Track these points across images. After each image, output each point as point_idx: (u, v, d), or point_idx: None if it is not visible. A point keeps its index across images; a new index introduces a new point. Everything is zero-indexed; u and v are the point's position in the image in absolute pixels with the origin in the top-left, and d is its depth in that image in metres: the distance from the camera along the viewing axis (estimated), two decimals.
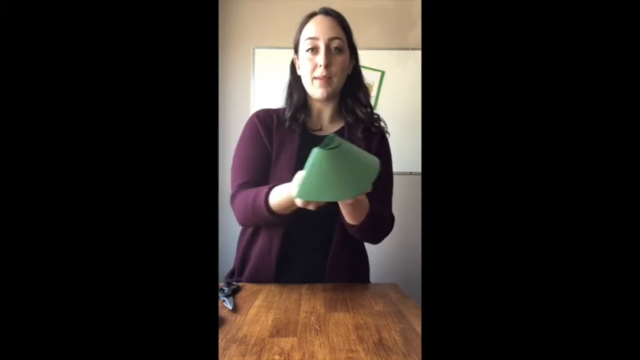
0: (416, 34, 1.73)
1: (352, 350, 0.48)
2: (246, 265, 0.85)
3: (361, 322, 0.58)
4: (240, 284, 0.77)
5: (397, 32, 1.73)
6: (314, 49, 0.80)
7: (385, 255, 1.57)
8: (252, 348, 0.48)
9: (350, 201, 0.61)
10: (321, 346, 0.49)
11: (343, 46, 0.81)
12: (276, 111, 0.89)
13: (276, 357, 0.46)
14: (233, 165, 0.86)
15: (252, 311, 0.62)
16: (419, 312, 0.63)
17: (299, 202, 0.60)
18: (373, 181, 0.57)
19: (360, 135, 0.86)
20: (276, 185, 0.71)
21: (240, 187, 0.81)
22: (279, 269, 0.81)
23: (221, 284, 0.73)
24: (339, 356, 0.46)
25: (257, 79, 1.74)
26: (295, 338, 0.51)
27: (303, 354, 0.47)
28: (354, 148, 0.60)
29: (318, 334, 0.53)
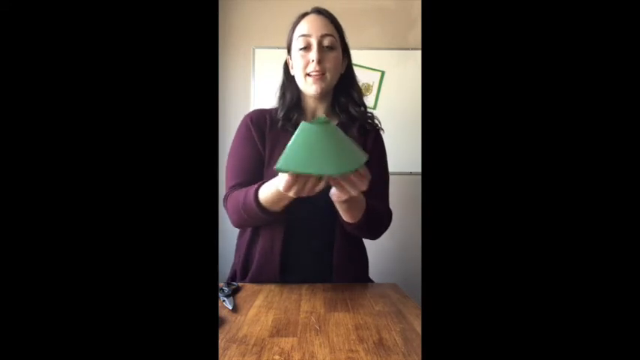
0: (416, 34, 1.73)
1: (352, 350, 0.48)
2: (249, 266, 0.85)
3: (361, 322, 0.58)
4: (240, 284, 0.77)
5: (397, 32, 1.73)
6: (307, 47, 0.81)
7: (385, 255, 1.57)
8: (252, 348, 0.48)
9: (321, 186, 0.59)
10: (321, 346, 0.49)
11: (335, 44, 0.82)
12: (270, 111, 0.89)
13: (276, 357, 0.46)
14: (227, 167, 0.86)
15: (252, 311, 0.62)
16: (419, 312, 0.63)
17: (282, 186, 0.58)
18: (357, 167, 0.56)
19: (355, 133, 0.87)
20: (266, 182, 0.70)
21: (232, 189, 0.81)
22: (284, 269, 0.81)
23: (221, 284, 0.73)
24: (339, 356, 0.46)
25: (257, 79, 1.74)
26: (295, 338, 0.51)
27: (303, 354, 0.47)
28: (343, 134, 0.59)
29: (318, 334, 0.53)
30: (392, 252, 1.67)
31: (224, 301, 0.65)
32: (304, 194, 0.59)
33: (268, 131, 0.86)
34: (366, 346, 0.49)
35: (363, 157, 0.58)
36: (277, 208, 0.71)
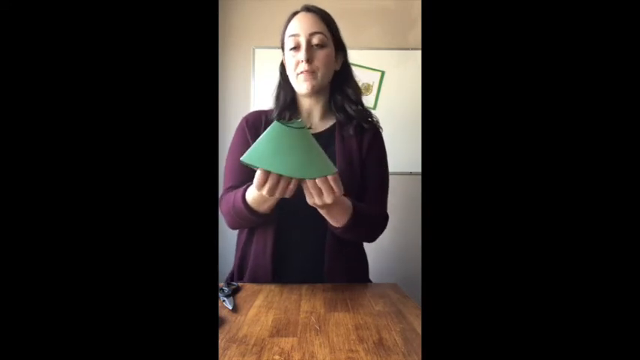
0: (416, 34, 1.73)
1: (352, 350, 0.48)
2: (244, 267, 0.85)
3: (361, 322, 0.58)
4: (240, 284, 0.77)
5: (397, 32, 1.74)
6: (296, 47, 0.81)
7: (385, 255, 1.57)
8: (252, 348, 0.48)
9: (292, 187, 0.59)
10: (321, 346, 0.49)
11: (325, 41, 0.81)
12: (266, 112, 0.89)
13: (276, 357, 0.46)
14: (224, 169, 0.87)
15: (252, 311, 0.62)
16: (419, 312, 0.63)
17: (254, 184, 0.59)
18: (316, 176, 0.57)
19: (351, 132, 0.85)
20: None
21: (227, 191, 0.81)
22: (276, 270, 0.81)
23: (221, 284, 0.73)
24: (339, 356, 0.46)
25: (257, 79, 1.74)
26: (295, 338, 0.51)
27: (303, 354, 0.47)
28: (315, 143, 0.61)
29: (318, 334, 0.53)
30: (392, 252, 1.67)
31: (224, 301, 0.65)
32: (277, 195, 0.60)
33: (263, 132, 0.85)
34: (366, 346, 0.49)
35: (329, 169, 0.59)
36: (264, 209, 0.71)
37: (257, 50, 1.73)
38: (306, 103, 0.87)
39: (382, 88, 1.72)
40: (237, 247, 0.89)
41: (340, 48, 0.86)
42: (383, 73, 1.72)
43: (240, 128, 0.89)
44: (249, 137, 0.85)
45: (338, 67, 0.86)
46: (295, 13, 0.83)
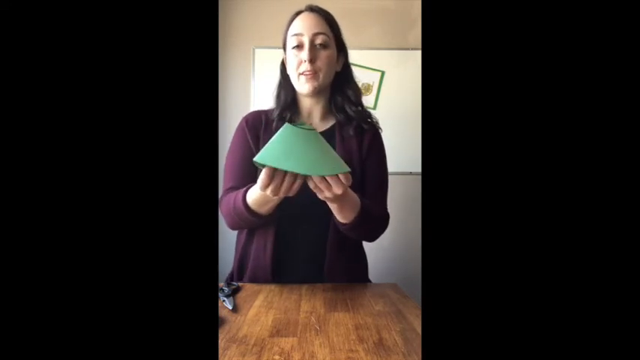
0: (416, 34, 1.73)
1: (352, 350, 0.48)
2: (244, 267, 0.85)
3: (361, 322, 0.58)
4: (240, 284, 0.77)
5: (397, 32, 1.74)
6: (299, 46, 0.81)
7: (385, 255, 1.57)
8: (252, 348, 0.48)
9: (297, 186, 0.60)
10: (321, 346, 0.49)
11: (328, 42, 0.81)
12: (266, 112, 0.89)
13: (276, 357, 0.46)
14: (224, 169, 0.87)
15: (252, 311, 0.62)
16: (419, 312, 0.63)
17: (259, 184, 0.59)
18: (332, 174, 0.58)
19: (351, 132, 0.85)
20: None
21: (227, 192, 0.81)
22: (275, 270, 0.81)
23: (221, 284, 0.73)
24: (339, 356, 0.46)
25: (257, 79, 1.74)
26: (295, 338, 0.51)
27: (303, 354, 0.47)
28: (326, 143, 0.62)
29: (318, 334, 0.53)
30: (392, 252, 1.67)
31: (224, 301, 0.65)
32: (281, 194, 0.60)
33: (263, 132, 0.85)
34: (366, 346, 0.49)
35: (342, 167, 0.60)
36: (265, 210, 0.71)
37: (257, 50, 1.73)
38: (306, 103, 0.87)
39: (382, 88, 1.72)
40: (236, 248, 0.89)
41: (342, 49, 0.86)
42: (383, 73, 1.72)
43: (239, 128, 0.89)
44: (249, 137, 0.85)
45: (339, 68, 0.86)
46: (299, 13, 0.83)
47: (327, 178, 0.59)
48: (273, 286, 0.76)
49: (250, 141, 0.84)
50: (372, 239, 0.84)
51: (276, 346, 0.49)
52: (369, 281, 0.90)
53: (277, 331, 0.53)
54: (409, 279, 1.28)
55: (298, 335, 0.52)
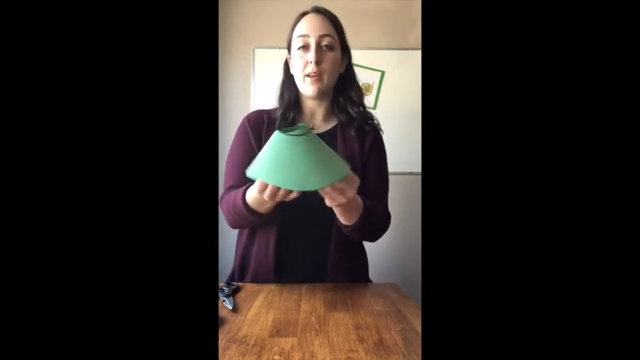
0: (416, 34, 1.73)
1: (352, 350, 0.48)
2: (246, 267, 0.85)
3: (361, 322, 0.58)
4: (240, 284, 0.77)
5: (397, 32, 1.73)
6: (305, 47, 0.81)
7: (385, 255, 1.57)
8: (252, 348, 0.48)
9: (295, 194, 0.58)
10: (321, 346, 0.49)
11: (334, 44, 0.81)
12: (268, 111, 0.89)
13: (276, 357, 0.46)
14: (225, 168, 0.87)
15: (252, 311, 0.62)
16: (419, 312, 0.63)
17: (255, 188, 0.59)
18: (335, 181, 0.54)
19: (352, 133, 0.86)
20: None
21: (228, 190, 0.81)
22: (278, 270, 0.81)
23: (221, 284, 0.73)
24: (339, 356, 0.46)
25: (257, 79, 1.74)
26: (295, 338, 0.51)
27: (303, 354, 0.47)
28: (324, 145, 0.57)
29: (318, 334, 0.53)
30: (392, 252, 1.67)
31: (224, 301, 0.65)
32: (278, 199, 0.59)
33: (265, 132, 0.85)
34: (366, 346, 0.49)
35: (344, 169, 0.56)
36: (263, 209, 0.71)
37: (257, 50, 1.73)
38: (310, 103, 0.87)
39: (382, 88, 1.72)
40: (237, 247, 0.89)
41: (345, 51, 0.86)
42: (383, 73, 1.72)
43: (241, 127, 0.89)
44: (251, 136, 0.85)
45: (342, 70, 0.87)
46: (304, 14, 0.83)
47: (332, 189, 0.56)
48: (273, 286, 0.76)
49: (252, 140, 0.84)
50: (374, 240, 0.85)
51: (276, 346, 0.49)
52: (370, 281, 0.90)
53: (277, 331, 0.53)
54: (409, 279, 1.28)
55: (298, 335, 0.52)
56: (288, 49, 0.87)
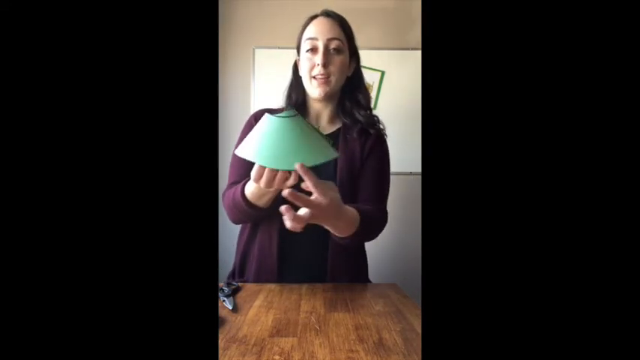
0: (416, 34, 1.73)
1: (352, 350, 0.48)
2: (246, 264, 0.85)
3: (361, 322, 0.58)
4: (240, 284, 0.77)
5: (397, 32, 1.73)
6: (313, 50, 0.82)
7: (385, 255, 1.57)
8: (252, 348, 0.48)
9: (291, 181, 0.57)
10: (321, 346, 0.49)
11: (342, 47, 0.82)
12: (276, 111, 0.89)
13: (276, 357, 0.46)
14: (230, 165, 0.87)
15: (252, 311, 0.62)
16: (419, 312, 0.63)
17: (252, 176, 0.59)
18: (319, 163, 0.54)
19: (355, 135, 0.86)
20: None
21: (230, 186, 0.82)
22: (281, 267, 0.81)
23: (221, 284, 0.73)
24: (339, 356, 0.46)
25: (257, 79, 1.74)
26: (295, 338, 0.51)
27: (303, 354, 0.47)
28: (312, 128, 0.59)
29: (318, 334, 0.53)
30: (392, 252, 1.67)
31: (224, 301, 0.65)
32: (275, 186, 0.59)
33: None
34: (366, 346, 0.49)
35: (332, 153, 0.57)
36: (262, 203, 0.72)
37: (257, 50, 1.73)
38: (316, 105, 0.88)
39: (382, 88, 1.72)
40: (238, 246, 0.89)
41: (354, 54, 0.87)
42: (383, 73, 1.72)
43: (248, 125, 0.89)
44: None
45: (350, 73, 0.87)
46: (314, 17, 0.85)
47: (290, 197, 0.53)
48: (273, 286, 0.76)
49: None
50: (371, 240, 0.85)
51: (276, 346, 0.49)
52: (369, 281, 0.90)
53: (277, 331, 0.53)
54: (409, 279, 1.28)
55: (298, 335, 0.52)
56: (298, 51, 0.88)
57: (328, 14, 0.84)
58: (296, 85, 0.89)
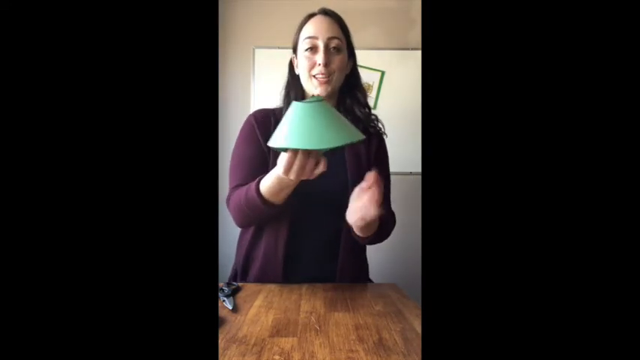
0: (416, 34, 1.73)
1: (352, 350, 0.48)
2: (249, 266, 0.85)
3: (361, 322, 0.58)
4: (240, 284, 0.77)
5: (397, 32, 1.73)
6: (313, 49, 0.81)
7: (385, 255, 1.57)
8: (252, 348, 0.48)
9: (321, 167, 0.60)
10: (321, 346, 0.49)
11: (341, 46, 0.82)
12: (274, 111, 0.89)
13: (276, 357, 0.46)
14: (230, 167, 0.86)
15: (252, 311, 0.62)
16: (419, 312, 0.63)
17: (281, 169, 0.60)
18: (352, 141, 0.57)
19: None
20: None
21: (235, 189, 0.81)
22: (287, 270, 0.81)
23: (221, 284, 0.73)
24: (339, 356, 0.46)
25: (257, 79, 1.74)
26: (295, 338, 0.51)
27: (303, 354, 0.47)
28: (337, 112, 0.61)
29: (318, 334, 0.53)
30: (392, 252, 1.66)
31: (224, 301, 0.65)
32: (304, 176, 0.60)
33: (273, 130, 0.85)
34: (366, 346, 0.49)
35: (357, 134, 0.59)
36: (279, 199, 0.71)
37: (257, 50, 1.73)
38: None
39: (382, 88, 1.72)
40: (239, 249, 0.89)
41: (351, 52, 0.87)
42: (383, 73, 1.72)
43: (247, 125, 0.88)
44: (258, 134, 0.84)
45: (348, 71, 0.87)
46: (312, 16, 0.84)
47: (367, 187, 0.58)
48: (273, 286, 0.76)
49: (260, 138, 0.84)
50: (382, 241, 0.86)
51: (276, 346, 0.49)
52: (370, 281, 0.90)
53: (277, 331, 0.53)
54: (409, 279, 1.27)
55: (298, 335, 0.52)
56: (294, 50, 0.87)
57: (326, 12, 0.84)
58: (293, 83, 0.88)
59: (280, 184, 0.66)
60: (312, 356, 0.46)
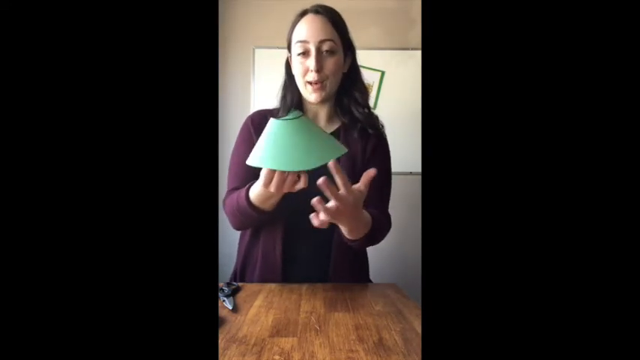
0: (416, 34, 1.73)
1: (352, 350, 0.48)
2: (247, 268, 0.85)
3: (361, 322, 0.58)
4: (240, 284, 0.77)
5: (397, 32, 1.74)
6: (305, 53, 0.78)
7: (385, 255, 1.57)
8: (252, 348, 0.48)
9: (301, 184, 0.57)
10: (321, 346, 0.49)
11: (335, 48, 0.78)
12: (271, 112, 0.88)
13: (276, 357, 0.46)
14: (228, 169, 0.86)
15: (252, 311, 0.62)
16: (419, 312, 0.63)
17: (261, 182, 0.59)
18: (331, 159, 0.53)
19: (356, 136, 0.84)
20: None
21: (231, 192, 0.80)
22: (285, 270, 0.80)
23: (221, 284, 0.73)
24: (339, 356, 0.46)
25: (257, 79, 1.74)
26: (295, 338, 0.51)
27: (303, 354, 0.47)
28: (318, 127, 0.60)
29: (318, 334, 0.53)
30: (392, 252, 1.67)
31: (224, 301, 0.65)
32: (285, 190, 0.59)
33: None
34: (366, 346, 0.49)
35: (341, 149, 0.58)
36: (267, 206, 0.70)
37: (257, 50, 1.73)
38: (312, 106, 0.86)
39: (382, 88, 1.72)
40: (239, 248, 0.89)
41: (349, 49, 0.83)
42: (383, 73, 1.72)
43: (244, 128, 0.87)
44: (254, 137, 0.83)
45: (346, 69, 0.84)
46: (304, 13, 0.80)
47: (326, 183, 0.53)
48: (273, 286, 0.76)
49: (255, 139, 0.83)
50: (375, 244, 0.85)
51: (276, 346, 0.49)
52: (370, 281, 0.90)
53: (277, 331, 0.53)
54: (409, 279, 1.27)
55: (298, 335, 0.52)
56: (289, 48, 0.85)
57: (317, 11, 0.79)
58: (290, 85, 0.85)
59: (265, 194, 0.66)
60: (312, 356, 0.46)
